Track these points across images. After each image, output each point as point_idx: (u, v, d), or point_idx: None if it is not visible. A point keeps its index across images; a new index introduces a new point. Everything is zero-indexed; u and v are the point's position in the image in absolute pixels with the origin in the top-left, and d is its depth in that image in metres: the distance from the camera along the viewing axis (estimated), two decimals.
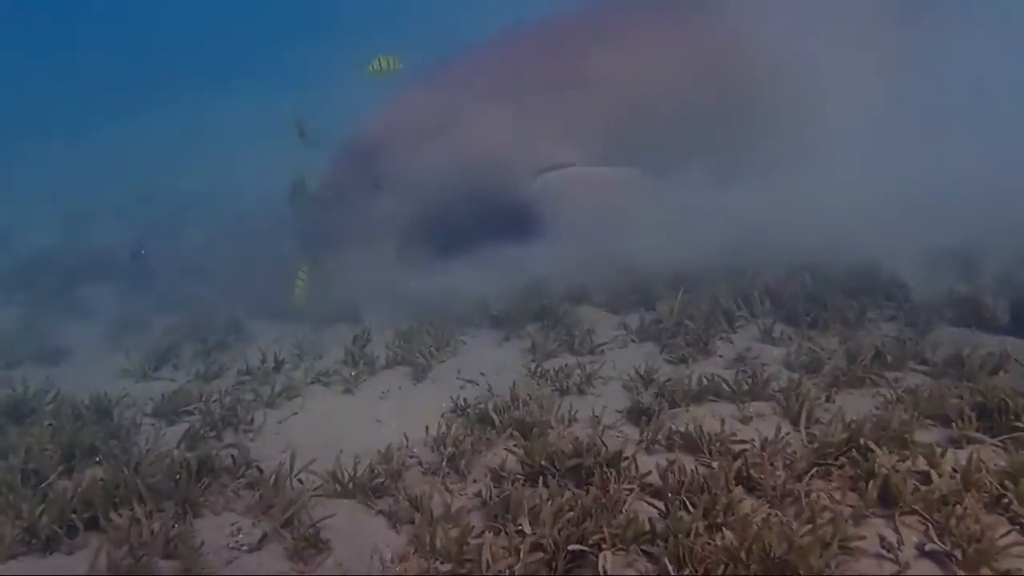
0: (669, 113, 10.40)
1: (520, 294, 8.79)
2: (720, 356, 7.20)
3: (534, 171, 10.22)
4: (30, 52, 38.88)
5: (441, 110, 10.31)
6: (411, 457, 5.60)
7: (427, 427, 5.96)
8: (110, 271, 12.24)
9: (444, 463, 5.41)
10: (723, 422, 5.58)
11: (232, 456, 5.77)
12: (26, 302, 11.42)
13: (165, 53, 37.14)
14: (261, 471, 5.52)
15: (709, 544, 4.20)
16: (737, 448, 5.24)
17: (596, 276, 8.90)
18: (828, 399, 6.06)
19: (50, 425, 6.65)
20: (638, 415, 5.92)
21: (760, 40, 10.25)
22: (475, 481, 5.26)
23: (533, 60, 10.72)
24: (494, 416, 5.97)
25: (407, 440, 5.81)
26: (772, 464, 4.92)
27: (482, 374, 7.20)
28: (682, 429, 5.49)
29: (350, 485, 5.26)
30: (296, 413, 6.83)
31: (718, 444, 5.30)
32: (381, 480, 5.24)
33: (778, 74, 10.25)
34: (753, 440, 5.31)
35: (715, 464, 4.99)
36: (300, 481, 5.37)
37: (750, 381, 6.28)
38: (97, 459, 6.07)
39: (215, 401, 6.90)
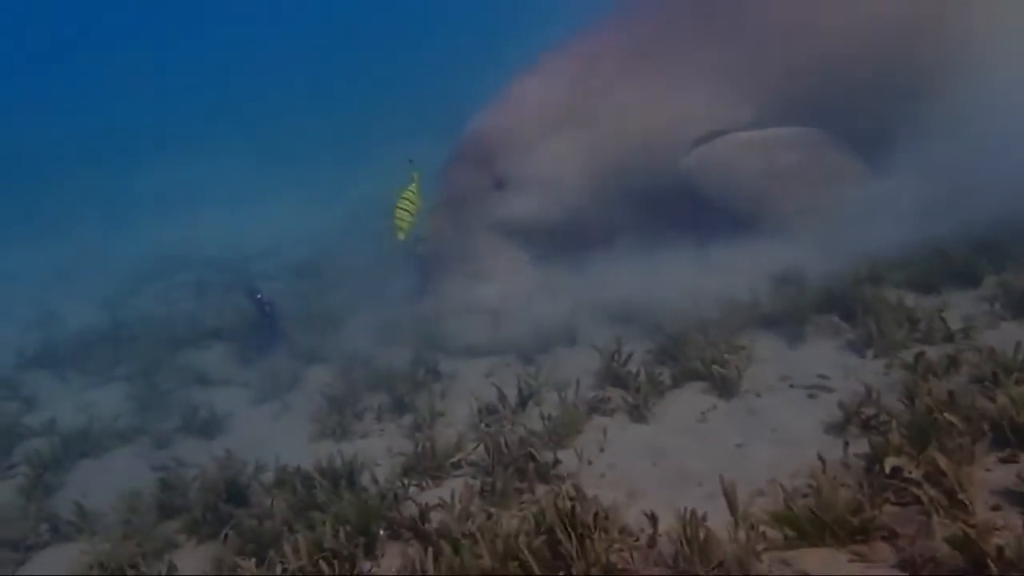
0: (851, 69, 8.52)
1: (780, 285, 7.35)
2: None
3: (684, 145, 8.54)
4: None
5: (568, 93, 8.78)
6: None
7: (846, 442, 4.46)
8: (207, 333, 10.52)
9: None
10: None
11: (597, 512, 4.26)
12: (127, 377, 9.65)
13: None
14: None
15: None
16: None
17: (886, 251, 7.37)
18: None
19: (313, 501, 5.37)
20: None
21: None
22: None
23: (678, 13, 9.07)
24: None
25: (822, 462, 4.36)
26: None
27: (822, 376, 5.67)
28: None
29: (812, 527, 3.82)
30: (602, 450, 5.34)
31: None
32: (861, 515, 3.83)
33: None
34: None
35: None
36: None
37: None
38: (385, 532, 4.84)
39: (494, 448, 5.47)
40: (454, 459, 5.72)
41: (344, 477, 5.71)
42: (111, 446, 7.74)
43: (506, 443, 5.45)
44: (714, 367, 6.02)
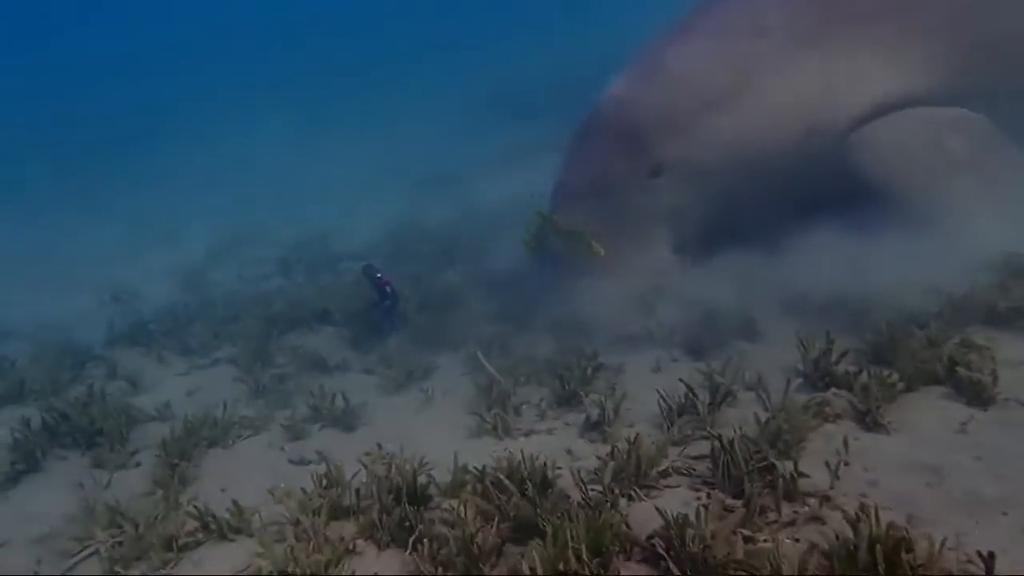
0: None
1: (1009, 277, 6.65)
2: None
3: (852, 122, 7.81)
4: None
5: (729, 62, 7.99)
6: None
7: None
8: (312, 314, 9.96)
9: None
10: None
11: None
12: (231, 359, 9.13)
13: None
14: None
15: None
16: None
17: None
18: None
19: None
20: None
21: None
22: None
23: None
24: None
25: None
26: None
27: None
28: None
29: None
30: (846, 464, 4.82)
31: None
32: None
33: None
34: None
35: None
36: None
37: None
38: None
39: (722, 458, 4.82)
40: (661, 467, 5.09)
41: (536, 482, 5.10)
42: (241, 435, 7.16)
43: (728, 449, 4.81)
44: (959, 370, 5.34)
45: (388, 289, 8.68)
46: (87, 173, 25.60)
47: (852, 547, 3.57)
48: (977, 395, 5.19)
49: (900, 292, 6.40)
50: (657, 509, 4.29)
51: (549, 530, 4.42)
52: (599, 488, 4.96)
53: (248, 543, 5.42)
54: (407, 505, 5.20)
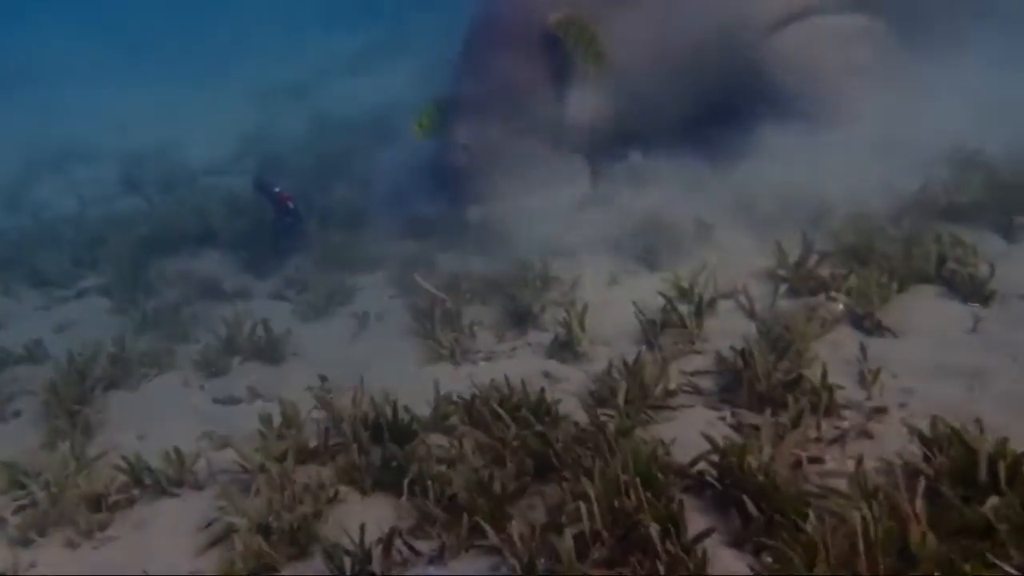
0: None
1: (961, 171, 6.56)
2: None
3: (771, 23, 7.57)
4: None
5: None
6: None
7: None
8: (189, 236, 8.89)
9: None
10: None
11: None
12: (103, 289, 8.05)
13: None
14: None
15: None
16: None
17: None
18: None
19: None
20: None
21: None
22: None
23: None
24: None
25: None
26: None
27: None
28: None
29: None
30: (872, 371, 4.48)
31: None
32: None
33: None
34: None
35: None
36: None
37: None
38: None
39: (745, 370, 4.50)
40: (671, 386, 4.75)
41: (534, 410, 4.65)
42: (146, 373, 6.24)
43: (747, 358, 4.53)
44: (952, 266, 5.26)
45: (290, 205, 7.78)
46: None
47: (962, 465, 3.34)
48: (975, 291, 5.11)
49: (851, 192, 6.25)
50: (705, 436, 3.92)
51: (578, 465, 3.99)
52: (609, 413, 4.55)
53: (196, 497, 4.69)
54: (390, 443, 4.60)
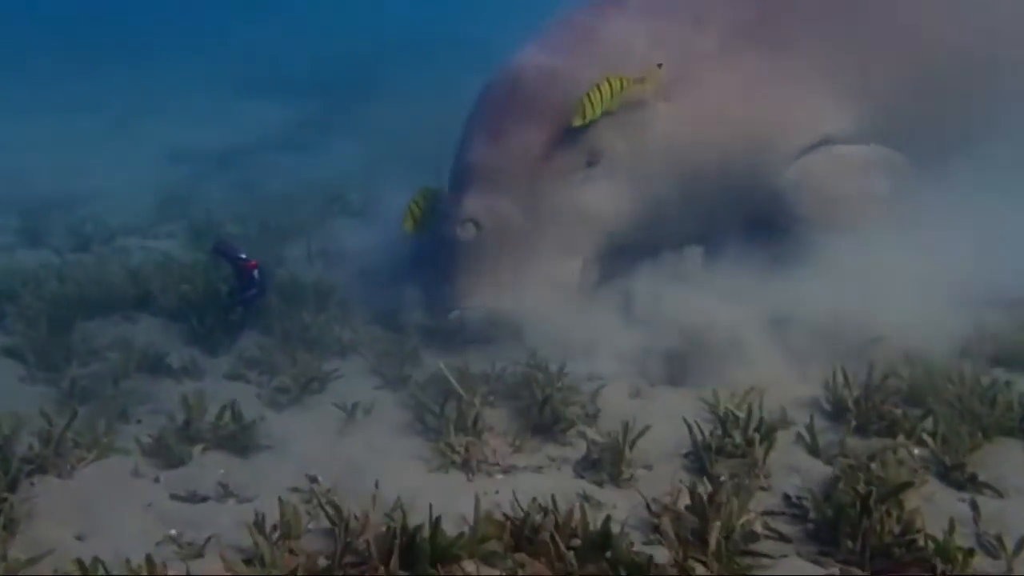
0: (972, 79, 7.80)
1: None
2: None
3: (794, 150, 7.31)
4: None
5: (672, 51, 7.05)
6: None
7: None
8: (116, 299, 7.84)
9: None
10: None
11: None
12: (12, 352, 6.89)
13: None
14: None
15: None
16: None
17: None
18: None
19: None
20: None
21: None
22: None
23: None
24: None
25: None
26: None
27: None
28: None
29: None
30: None
31: None
32: None
33: None
34: None
35: None
36: None
37: None
38: None
39: None
40: (755, 527, 4.12)
41: (595, 541, 3.94)
42: (83, 457, 5.17)
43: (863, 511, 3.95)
44: None
45: (255, 275, 6.89)
46: None
47: None
48: None
49: (897, 324, 5.92)
50: None
51: None
52: (672, 555, 3.85)
53: None
54: (428, 568, 3.77)
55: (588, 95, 6.43)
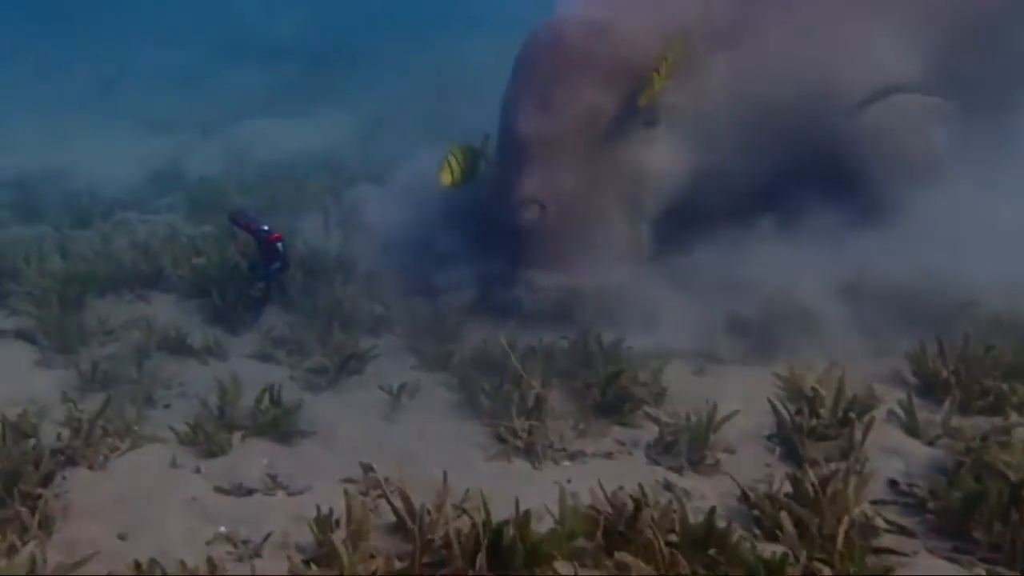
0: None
1: None
2: None
3: (862, 97, 6.95)
4: None
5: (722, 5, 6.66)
6: None
7: None
8: (128, 277, 7.41)
9: None
10: None
11: None
12: (19, 333, 6.45)
13: None
14: None
15: None
16: None
17: None
18: None
19: None
20: None
21: None
22: None
23: None
24: None
25: None
26: None
27: None
28: None
29: None
30: None
31: None
32: None
33: None
34: None
35: None
36: None
37: None
38: None
39: None
40: (876, 521, 3.79)
41: (698, 538, 3.61)
42: (116, 447, 4.77)
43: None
44: None
45: (280, 247, 6.47)
46: None
47: None
48: None
49: (981, 289, 5.55)
50: None
51: None
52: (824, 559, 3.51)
53: None
54: (521, 569, 3.43)
55: (656, 71, 5.98)
